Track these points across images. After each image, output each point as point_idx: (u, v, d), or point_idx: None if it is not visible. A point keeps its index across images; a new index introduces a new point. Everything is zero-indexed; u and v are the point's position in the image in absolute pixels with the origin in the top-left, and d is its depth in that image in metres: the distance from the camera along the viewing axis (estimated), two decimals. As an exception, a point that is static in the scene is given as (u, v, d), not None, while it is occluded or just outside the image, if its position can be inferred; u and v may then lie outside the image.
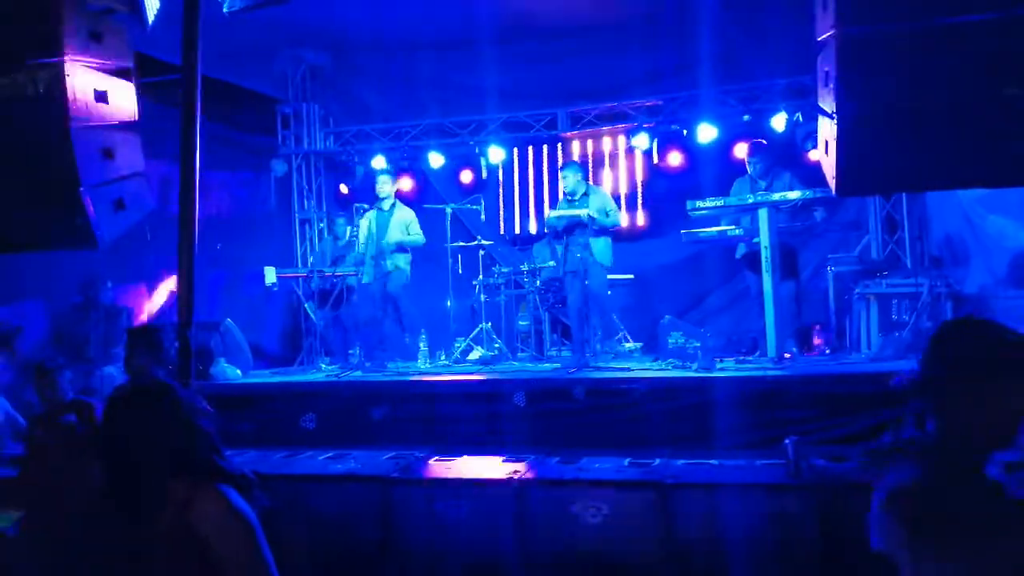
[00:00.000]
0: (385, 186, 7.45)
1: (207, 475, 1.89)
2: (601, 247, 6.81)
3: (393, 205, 7.42)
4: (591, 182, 7.67)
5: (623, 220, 6.90)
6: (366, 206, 7.53)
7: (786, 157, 7.24)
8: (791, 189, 6.08)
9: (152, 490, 1.84)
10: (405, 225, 7.31)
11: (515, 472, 4.38)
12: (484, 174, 8.91)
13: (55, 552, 1.91)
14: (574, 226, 6.70)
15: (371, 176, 9.19)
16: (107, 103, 4.32)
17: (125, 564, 1.79)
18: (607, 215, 6.80)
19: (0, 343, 4.34)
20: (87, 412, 4.14)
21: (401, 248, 7.31)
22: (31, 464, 3.42)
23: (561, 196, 7.24)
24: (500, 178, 9.28)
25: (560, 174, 7.16)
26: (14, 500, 2.29)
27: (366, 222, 7.32)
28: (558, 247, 6.96)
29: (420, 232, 7.37)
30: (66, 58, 3.90)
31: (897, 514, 1.60)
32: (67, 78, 3.94)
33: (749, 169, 6.62)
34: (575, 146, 9.06)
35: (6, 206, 4.43)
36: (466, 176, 9.08)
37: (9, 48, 3.97)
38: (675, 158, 8.32)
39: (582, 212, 6.67)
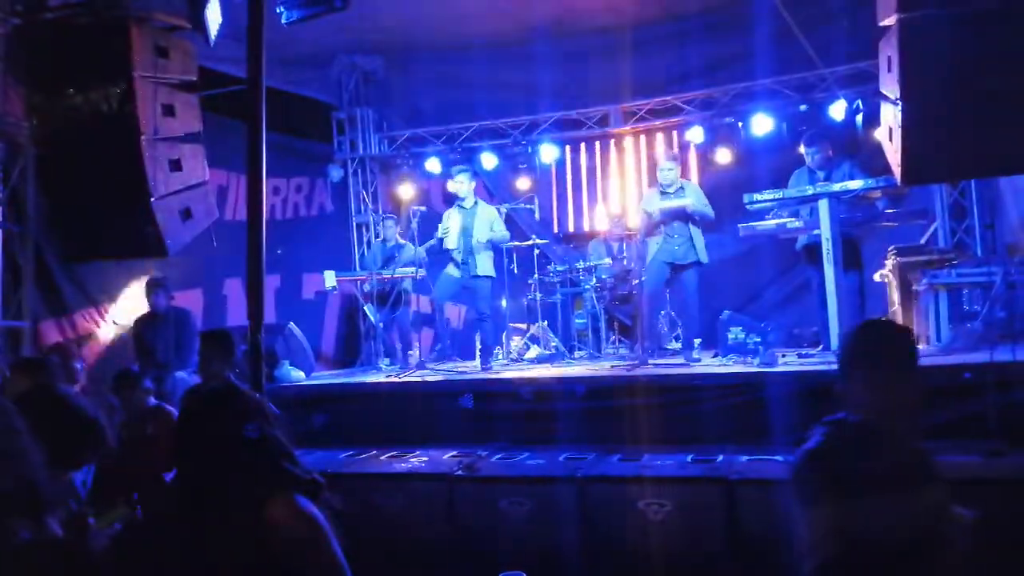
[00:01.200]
0: (463, 185, 7.32)
1: (277, 481, 1.89)
2: (702, 243, 6.64)
3: (476, 203, 7.34)
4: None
5: (713, 215, 6.76)
6: (423, 208, 7.60)
7: (845, 146, 7.07)
8: (851, 179, 5.94)
9: (225, 495, 1.85)
10: (490, 222, 7.23)
11: (577, 469, 4.39)
12: (537, 173, 8.91)
13: (137, 554, 1.94)
14: (675, 217, 6.59)
15: (428, 178, 9.31)
16: (174, 116, 4.49)
17: (197, 569, 1.80)
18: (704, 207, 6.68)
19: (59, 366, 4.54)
20: (167, 420, 4.29)
21: (488, 247, 7.20)
22: (121, 468, 3.57)
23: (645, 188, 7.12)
24: (553, 177, 9.27)
25: (660, 164, 6.95)
26: (116, 497, 2.40)
27: (451, 220, 7.29)
28: (654, 241, 6.73)
29: (504, 228, 7.32)
30: (135, 75, 4.06)
31: (795, 473, 2.00)
32: (137, 94, 4.11)
33: (807, 159, 6.48)
34: (628, 142, 9.00)
35: (83, 219, 4.64)
36: (519, 176, 9.08)
37: (82, 67, 4.16)
38: (730, 151, 8.20)
39: (686, 202, 6.53)
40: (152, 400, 4.63)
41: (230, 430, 1.92)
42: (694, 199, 6.66)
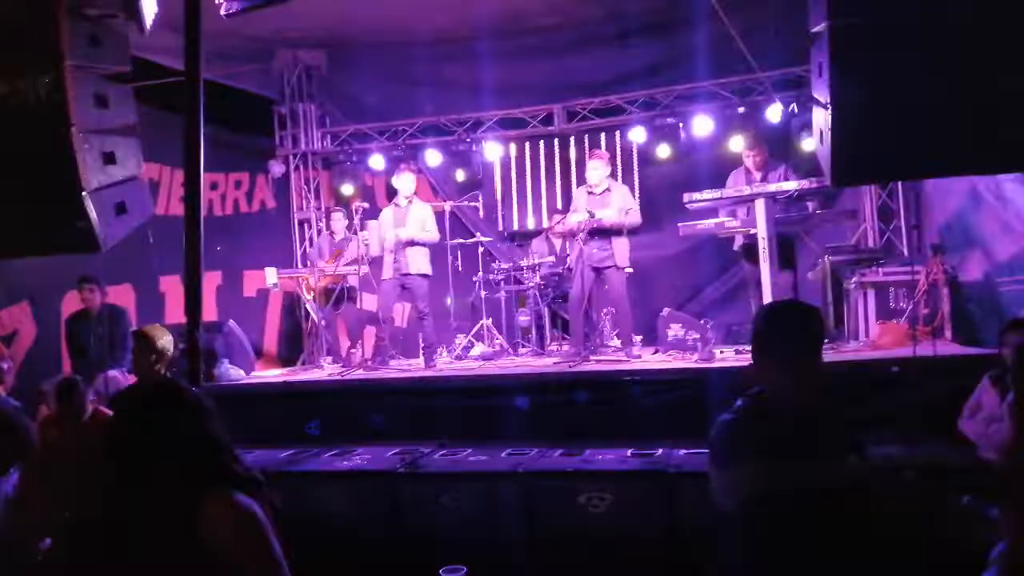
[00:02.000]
0: (409, 184, 7.31)
1: (216, 479, 1.87)
2: (622, 249, 6.66)
3: (410, 202, 7.31)
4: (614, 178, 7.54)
5: (639, 219, 6.81)
6: (366, 204, 7.53)
7: (781, 148, 7.28)
8: (786, 180, 6.12)
9: (161, 493, 1.83)
10: (422, 221, 7.20)
11: (519, 465, 4.43)
12: (481, 171, 8.91)
13: (75, 558, 1.90)
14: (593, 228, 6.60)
15: (371, 174, 9.24)
16: (107, 107, 4.35)
17: (133, 568, 1.78)
18: (627, 214, 6.66)
19: None
20: (103, 421, 4.15)
21: (416, 243, 7.13)
22: (55, 472, 3.45)
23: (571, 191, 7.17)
24: (497, 174, 9.29)
25: (588, 164, 6.98)
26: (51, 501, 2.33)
27: (384, 217, 7.26)
28: (579, 244, 6.70)
29: (435, 228, 7.28)
30: (66, 64, 3.92)
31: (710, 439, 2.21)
32: (67, 84, 3.96)
33: (745, 160, 6.66)
34: (571, 141, 9.07)
35: (9, 211, 4.47)
36: (463, 173, 9.08)
37: (9, 55, 4.00)
38: (671, 151, 8.34)
39: (599, 215, 6.52)
40: (88, 408, 4.48)
41: (166, 427, 1.90)
42: (619, 203, 6.69)
